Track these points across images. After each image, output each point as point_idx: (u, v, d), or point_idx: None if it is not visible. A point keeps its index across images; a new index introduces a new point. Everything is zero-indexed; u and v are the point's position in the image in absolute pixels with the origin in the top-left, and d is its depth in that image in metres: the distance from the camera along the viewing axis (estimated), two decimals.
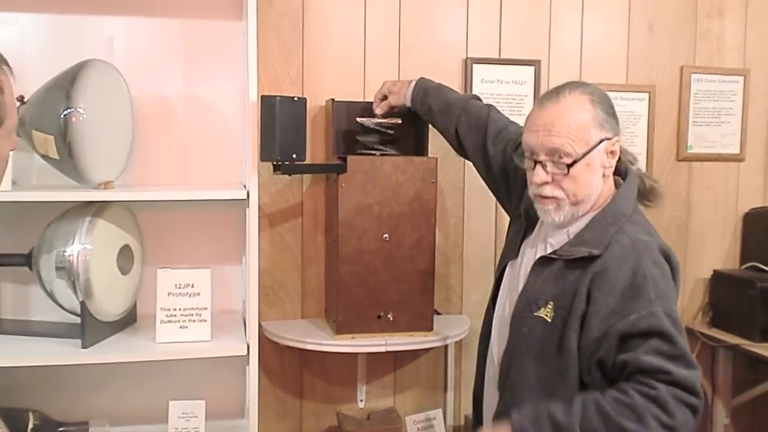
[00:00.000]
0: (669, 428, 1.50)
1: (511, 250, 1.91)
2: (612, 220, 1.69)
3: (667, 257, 1.68)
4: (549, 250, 1.75)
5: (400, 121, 2.36)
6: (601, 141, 1.69)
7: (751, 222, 2.97)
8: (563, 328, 1.64)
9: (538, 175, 1.70)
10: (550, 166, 1.69)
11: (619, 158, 1.77)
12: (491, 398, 1.87)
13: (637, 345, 1.55)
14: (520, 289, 1.78)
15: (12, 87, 1.20)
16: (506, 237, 2.06)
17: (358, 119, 2.35)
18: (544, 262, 1.73)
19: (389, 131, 2.35)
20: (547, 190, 1.71)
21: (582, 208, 1.72)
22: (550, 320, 1.67)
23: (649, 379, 1.52)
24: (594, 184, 1.71)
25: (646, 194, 1.85)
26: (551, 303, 1.68)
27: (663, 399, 1.50)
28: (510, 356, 1.75)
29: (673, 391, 1.51)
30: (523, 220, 1.90)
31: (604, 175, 1.73)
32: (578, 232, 1.72)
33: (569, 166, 1.67)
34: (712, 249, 2.96)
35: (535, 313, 1.69)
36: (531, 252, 1.83)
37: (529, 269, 1.77)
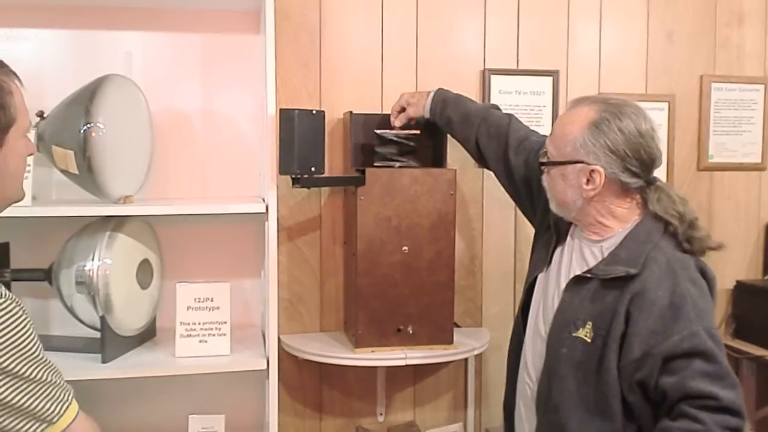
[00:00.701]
0: None
1: (540, 263, 1.90)
2: (646, 237, 1.68)
3: (704, 272, 1.67)
4: (584, 268, 1.74)
5: (419, 132, 2.35)
6: (577, 161, 1.70)
7: None
8: (603, 349, 1.63)
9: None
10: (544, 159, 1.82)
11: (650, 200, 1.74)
12: (527, 417, 1.85)
13: (681, 366, 1.54)
14: (555, 304, 1.76)
15: (21, 93, 1.29)
16: (532, 250, 2.04)
17: (377, 130, 2.34)
18: (579, 280, 1.72)
19: (408, 142, 2.35)
20: (543, 179, 1.84)
21: (564, 211, 1.79)
22: (590, 341, 1.66)
23: (696, 411, 1.51)
24: (569, 196, 1.74)
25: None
26: (590, 323, 1.66)
27: None
28: (549, 377, 1.73)
29: (720, 420, 1.50)
30: (553, 232, 1.89)
31: (584, 197, 1.72)
32: (613, 250, 1.71)
33: (541, 164, 1.81)
34: (734, 259, 2.92)
35: (574, 334, 1.68)
36: (566, 265, 1.81)
37: (563, 285, 1.76)
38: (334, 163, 2.49)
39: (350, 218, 2.36)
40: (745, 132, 2.90)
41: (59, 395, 1.22)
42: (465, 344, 2.37)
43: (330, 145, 2.45)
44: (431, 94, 2.30)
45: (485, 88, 2.61)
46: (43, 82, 2.27)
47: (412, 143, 2.36)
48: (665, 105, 2.78)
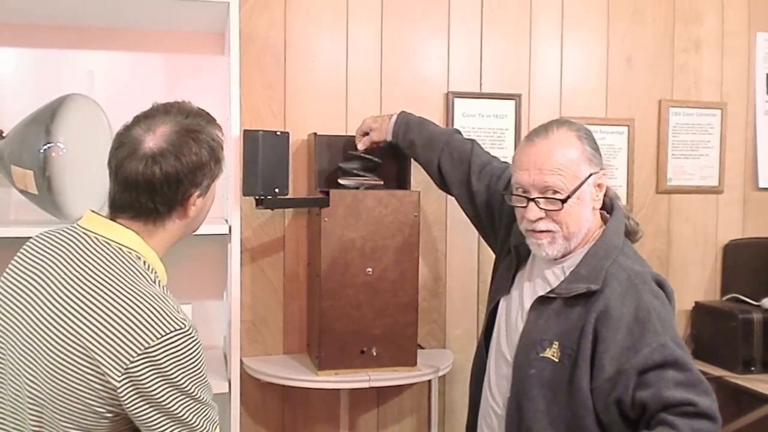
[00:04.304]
0: None
1: (502, 287, 1.90)
2: (605, 254, 1.71)
3: (662, 286, 1.70)
4: (546, 289, 1.75)
5: (381, 183, 2.37)
6: (590, 175, 1.72)
7: (731, 253, 2.99)
8: (572, 368, 1.64)
9: (532, 212, 1.71)
10: (543, 203, 1.71)
11: (605, 192, 1.80)
12: None
13: (654, 378, 1.56)
14: (520, 327, 1.77)
15: None
16: (493, 274, 2.05)
17: (340, 164, 2.35)
18: (543, 301, 1.73)
19: (372, 178, 2.35)
20: (542, 225, 1.72)
21: (574, 241, 1.74)
22: (557, 360, 1.66)
23: (673, 418, 1.53)
24: (584, 217, 1.73)
25: (628, 234, 1.85)
26: (556, 342, 1.67)
27: None
28: (519, 399, 1.72)
29: (697, 426, 1.52)
30: (514, 255, 1.90)
31: (593, 208, 1.76)
32: (574, 269, 1.72)
33: (563, 201, 1.69)
34: (693, 281, 2.97)
35: (541, 355, 1.69)
36: (528, 287, 1.82)
37: (527, 307, 1.76)
38: (299, 184, 2.49)
39: (314, 240, 2.35)
40: (702, 156, 2.96)
41: (212, 416, 1.39)
42: (429, 366, 2.37)
43: (294, 167, 2.45)
44: (394, 117, 2.31)
45: (449, 110, 2.63)
46: (3, 100, 2.24)
47: (375, 178, 2.36)
48: (625, 129, 2.83)
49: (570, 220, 1.71)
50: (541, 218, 1.72)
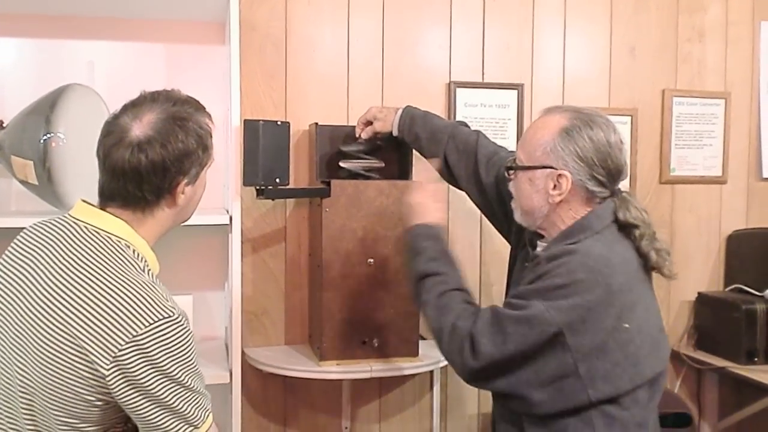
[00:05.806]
0: (437, 332, 1.72)
1: (518, 278, 1.88)
2: (571, 233, 1.68)
3: (610, 277, 1.60)
4: None
5: (383, 165, 2.36)
6: (545, 166, 1.70)
7: (734, 244, 2.97)
8: None
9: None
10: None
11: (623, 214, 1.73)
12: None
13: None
14: None
15: None
16: (510, 265, 2.02)
17: (341, 163, 2.34)
18: None
19: (372, 174, 2.35)
20: (510, 185, 1.82)
21: (529, 219, 1.78)
22: None
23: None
24: (535, 201, 1.73)
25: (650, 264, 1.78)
26: None
27: (478, 326, 1.65)
28: None
29: (480, 328, 1.64)
30: (529, 248, 1.88)
31: (549, 203, 1.71)
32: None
33: (508, 168, 1.80)
34: (696, 271, 2.96)
35: None
36: None
37: None
38: (300, 174, 2.48)
39: (315, 230, 2.35)
40: (706, 146, 2.95)
41: (204, 404, 1.38)
42: (430, 356, 2.36)
43: (295, 157, 2.44)
44: (399, 111, 2.29)
45: (451, 100, 2.62)
46: (3, 90, 2.24)
47: (375, 176, 2.36)
48: (628, 119, 2.82)
49: (518, 194, 1.78)
50: (510, 180, 1.82)
